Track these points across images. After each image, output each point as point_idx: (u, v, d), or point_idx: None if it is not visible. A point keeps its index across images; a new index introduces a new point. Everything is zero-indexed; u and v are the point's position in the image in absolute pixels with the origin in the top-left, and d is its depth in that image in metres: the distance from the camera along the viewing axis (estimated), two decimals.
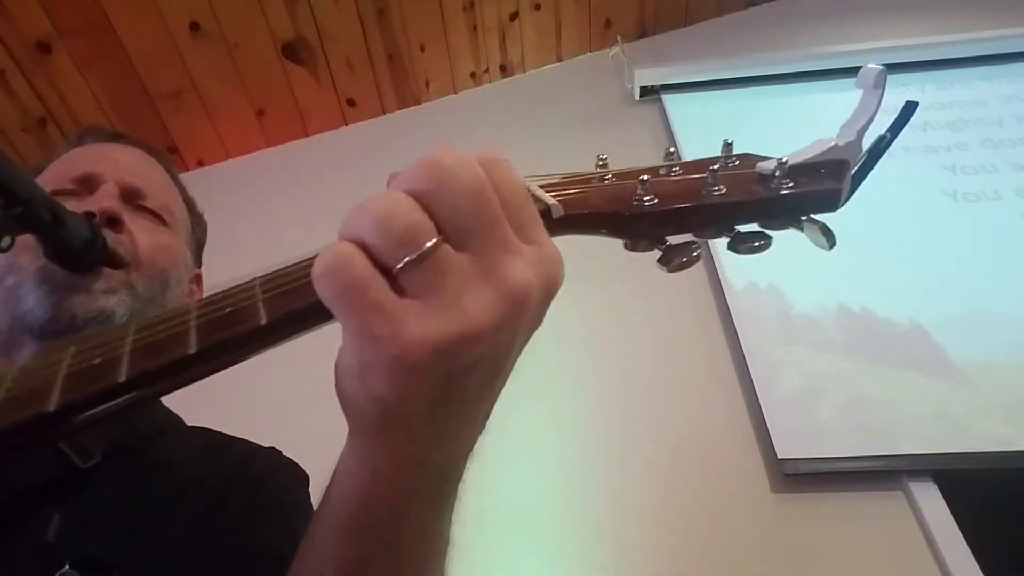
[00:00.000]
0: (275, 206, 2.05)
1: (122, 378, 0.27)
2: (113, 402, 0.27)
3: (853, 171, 0.40)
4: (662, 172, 0.41)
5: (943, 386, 1.31)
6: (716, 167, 0.39)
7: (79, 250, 0.59)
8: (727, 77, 2.14)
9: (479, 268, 0.27)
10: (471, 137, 2.18)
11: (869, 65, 0.41)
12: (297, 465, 0.71)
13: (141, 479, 0.59)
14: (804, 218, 0.40)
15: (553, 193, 0.36)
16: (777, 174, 0.39)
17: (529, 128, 2.17)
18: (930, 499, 1.19)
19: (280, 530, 0.62)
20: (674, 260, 0.37)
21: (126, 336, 0.29)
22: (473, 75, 2.34)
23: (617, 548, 1.24)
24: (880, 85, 0.41)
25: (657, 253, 0.38)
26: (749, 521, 1.24)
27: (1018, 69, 2.01)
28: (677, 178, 0.40)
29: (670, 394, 1.45)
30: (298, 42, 2.08)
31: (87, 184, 0.69)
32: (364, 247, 0.27)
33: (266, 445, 0.72)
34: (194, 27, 1.96)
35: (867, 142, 0.41)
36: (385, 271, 0.27)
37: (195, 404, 0.68)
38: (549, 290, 0.29)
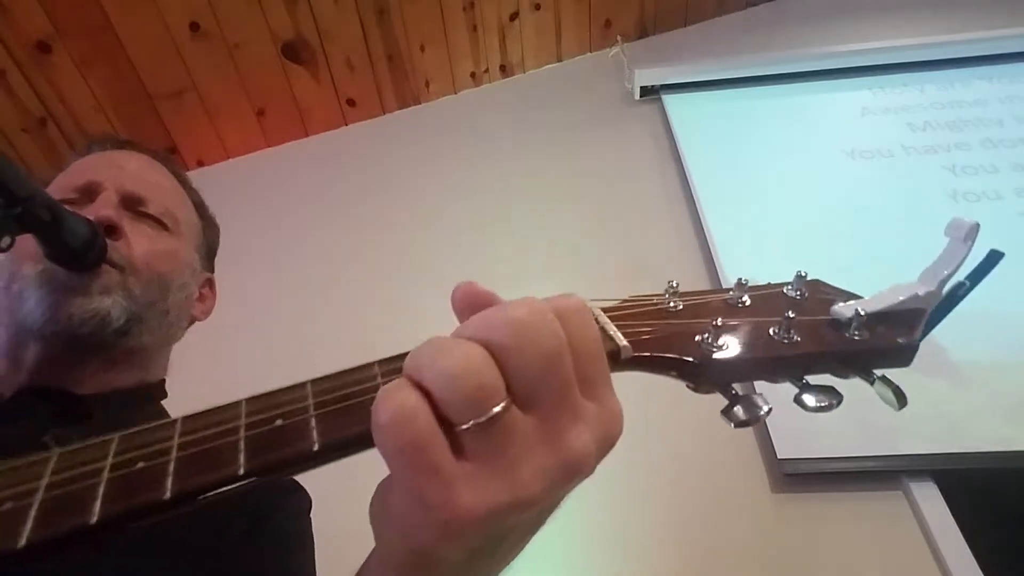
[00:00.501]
0: (275, 206, 2.05)
1: (167, 495, 0.26)
2: (154, 516, 0.26)
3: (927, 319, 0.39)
4: (731, 304, 0.40)
5: (943, 386, 1.31)
6: (791, 314, 0.37)
7: (79, 249, 0.59)
8: (727, 77, 2.14)
9: (541, 434, 0.27)
10: (471, 137, 2.18)
11: (963, 218, 0.40)
12: (301, 488, 0.71)
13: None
14: (878, 375, 0.38)
15: (621, 326, 0.35)
16: (853, 323, 0.38)
17: (529, 128, 2.17)
18: (930, 499, 1.19)
19: (282, 560, 0.62)
20: (739, 416, 0.35)
21: (172, 436, 0.28)
22: (473, 75, 2.34)
23: (617, 548, 1.24)
24: (971, 239, 0.39)
25: (721, 399, 0.37)
26: (749, 521, 1.24)
27: (1018, 69, 2.01)
28: (749, 320, 0.39)
29: (670, 394, 1.45)
30: (298, 42, 2.08)
31: (88, 193, 0.69)
32: (429, 395, 0.26)
33: None
34: (194, 27, 1.96)
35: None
36: (447, 424, 0.26)
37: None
38: (606, 450, 0.29)
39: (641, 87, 2.16)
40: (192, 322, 0.80)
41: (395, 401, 0.26)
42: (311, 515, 0.70)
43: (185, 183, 0.82)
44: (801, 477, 1.25)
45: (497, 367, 0.27)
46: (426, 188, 2.03)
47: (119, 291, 0.64)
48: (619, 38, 2.37)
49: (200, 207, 0.83)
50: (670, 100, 2.13)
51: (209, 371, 0.95)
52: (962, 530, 1.14)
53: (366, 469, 0.32)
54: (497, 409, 0.26)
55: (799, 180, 1.80)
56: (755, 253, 1.62)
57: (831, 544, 1.19)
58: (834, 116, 1.99)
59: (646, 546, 1.24)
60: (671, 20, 2.42)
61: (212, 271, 0.85)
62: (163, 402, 0.72)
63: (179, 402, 0.70)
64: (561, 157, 2.06)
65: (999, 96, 1.94)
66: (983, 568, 1.09)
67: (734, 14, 2.44)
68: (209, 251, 0.84)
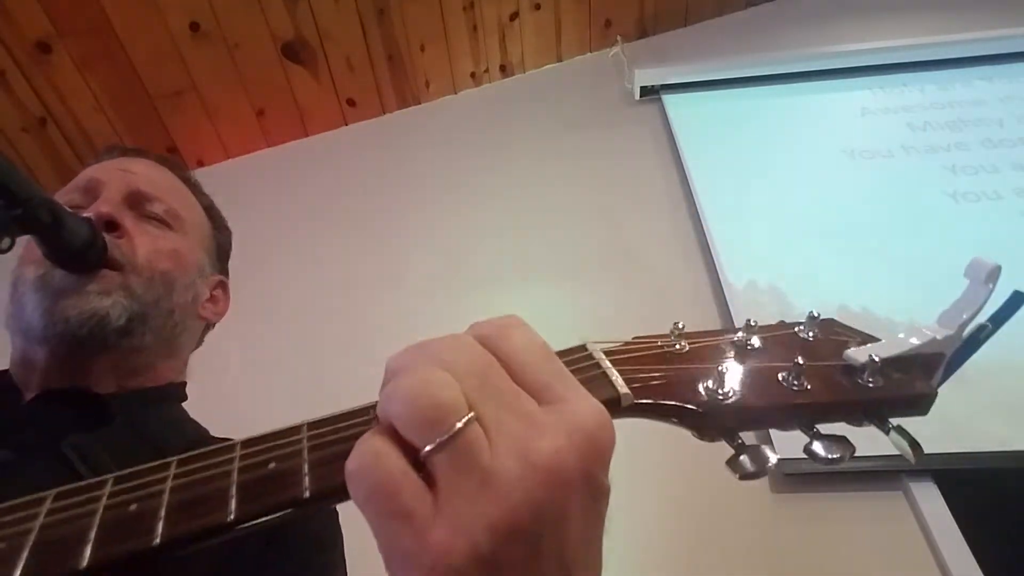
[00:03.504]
0: (275, 206, 2.05)
1: (156, 540, 0.26)
2: (142, 563, 0.26)
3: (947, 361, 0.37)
4: (739, 346, 0.38)
5: (943, 386, 1.31)
6: (801, 360, 0.36)
7: (79, 250, 0.59)
8: (727, 77, 2.14)
9: (506, 446, 0.25)
10: (471, 137, 2.18)
11: (983, 259, 0.38)
12: None
13: None
14: (894, 425, 0.36)
15: (623, 371, 0.34)
16: (867, 369, 0.36)
17: (529, 128, 2.17)
18: (930, 499, 1.19)
19: (307, 564, 0.62)
20: (744, 468, 0.34)
21: (167, 478, 0.28)
22: (473, 75, 2.34)
23: (616, 548, 1.24)
24: (992, 280, 0.38)
25: (726, 448, 0.35)
26: (749, 521, 1.24)
27: (1018, 69, 2.01)
28: (756, 364, 0.37)
29: None
30: (298, 42, 2.08)
31: (90, 191, 0.69)
32: (395, 433, 0.26)
33: None
34: (194, 27, 1.96)
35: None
36: (415, 457, 0.25)
37: (218, 417, 0.68)
38: (592, 455, 0.27)
39: (641, 87, 2.16)
40: (206, 325, 0.80)
41: (363, 447, 0.26)
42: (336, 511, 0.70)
43: (195, 187, 0.82)
44: (801, 477, 1.25)
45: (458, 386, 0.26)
46: (426, 188, 2.03)
47: (119, 291, 0.63)
48: (619, 38, 2.37)
49: (210, 210, 0.83)
50: (670, 100, 2.13)
51: (209, 371, 0.95)
52: (962, 530, 1.14)
53: None
54: (459, 424, 0.25)
55: (799, 180, 1.80)
56: (755, 253, 1.62)
57: (831, 544, 1.19)
58: (834, 116, 1.99)
59: (646, 546, 1.24)
60: (671, 20, 2.42)
61: (226, 274, 0.85)
62: (183, 404, 0.72)
63: (199, 410, 0.70)
64: (561, 157, 2.06)
65: (999, 96, 1.94)
66: (983, 568, 1.09)
67: (734, 14, 2.44)
68: (220, 253, 0.84)
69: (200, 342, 0.81)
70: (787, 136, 1.95)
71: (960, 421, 1.25)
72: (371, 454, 0.25)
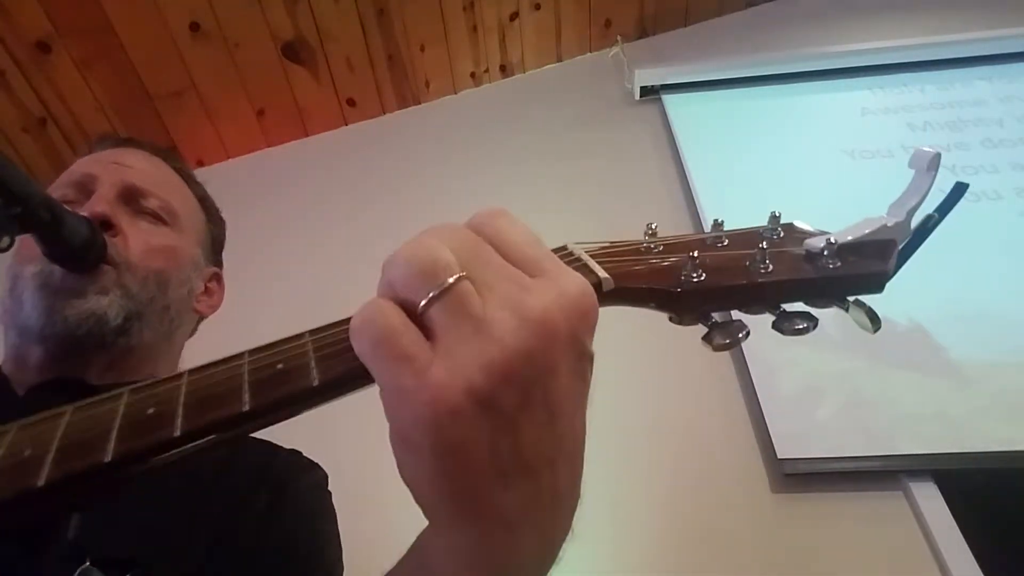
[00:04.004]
0: (275, 206, 2.05)
1: (177, 432, 0.27)
2: (165, 454, 0.27)
3: (899, 249, 0.41)
4: (709, 243, 0.42)
5: (943, 386, 1.31)
6: (764, 245, 0.39)
7: (79, 249, 0.59)
8: (727, 77, 2.14)
9: (499, 301, 0.27)
10: (471, 137, 2.18)
11: (924, 148, 0.42)
12: (319, 466, 0.72)
13: (162, 479, 0.59)
14: (851, 299, 0.40)
15: (603, 263, 0.36)
16: (825, 253, 0.39)
17: (529, 128, 2.17)
18: (930, 499, 1.18)
19: (305, 532, 0.63)
20: (718, 340, 0.37)
21: (180, 385, 0.29)
22: (473, 75, 2.34)
23: (616, 548, 1.24)
24: (934, 168, 0.42)
25: (702, 329, 0.38)
26: (749, 521, 1.24)
27: (1018, 69, 2.01)
28: (725, 252, 0.41)
29: (670, 394, 1.45)
30: (298, 42, 2.08)
31: (84, 187, 0.69)
32: (396, 297, 0.28)
33: (287, 446, 0.71)
34: (194, 27, 1.96)
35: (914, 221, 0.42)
36: (414, 314, 0.27)
37: None
38: (576, 316, 0.28)
39: (641, 87, 2.16)
40: (201, 317, 0.80)
41: (365, 306, 0.28)
42: (329, 489, 0.71)
43: (188, 178, 0.82)
44: (801, 477, 1.25)
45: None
46: (426, 188, 2.03)
47: (116, 290, 0.64)
48: (619, 38, 2.37)
49: (204, 201, 0.83)
50: (670, 100, 2.13)
51: None
52: (962, 530, 1.14)
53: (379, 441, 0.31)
54: (452, 279, 0.27)
55: (799, 180, 1.80)
56: None
57: (831, 544, 1.19)
58: (834, 116, 1.99)
59: (646, 546, 1.24)
60: (671, 20, 2.42)
61: (220, 265, 0.85)
62: None
63: None
64: (561, 157, 2.06)
65: (999, 96, 1.93)
66: (983, 568, 1.09)
67: (734, 14, 2.44)
68: (215, 245, 0.84)
69: (193, 332, 0.81)
70: (787, 136, 1.95)
71: (960, 421, 1.25)
72: (373, 309, 0.27)
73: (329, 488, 0.71)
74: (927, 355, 1.37)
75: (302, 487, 0.67)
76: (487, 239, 0.30)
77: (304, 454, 0.72)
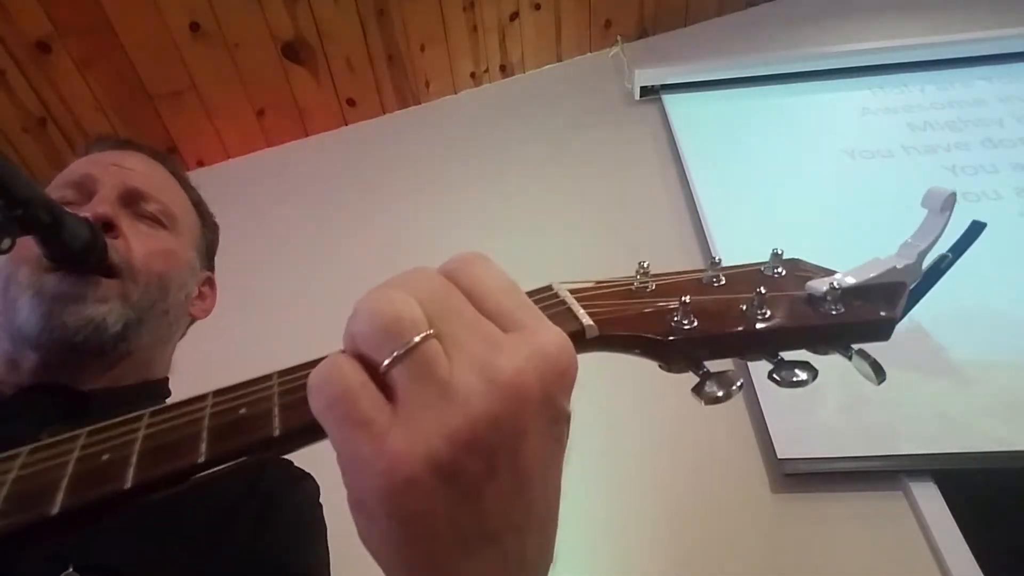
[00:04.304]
0: (275, 206, 2.05)
1: (127, 484, 0.26)
2: (115, 508, 0.26)
3: (909, 290, 0.38)
4: (705, 283, 0.39)
5: (943, 386, 1.31)
6: (763, 289, 0.36)
7: (80, 251, 0.59)
8: (727, 77, 2.14)
9: (467, 362, 0.26)
10: (471, 137, 2.18)
11: (939, 187, 0.38)
12: (309, 476, 0.71)
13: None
14: (855, 348, 0.37)
15: (588, 306, 0.34)
16: (828, 298, 0.37)
17: (529, 128, 2.17)
18: (930, 499, 1.18)
19: (293, 547, 0.62)
20: (709, 392, 0.34)
21: (139, 428, 0.28)
22: (473, 75, 2.34)
23: (616, 548, 1.24)
24: (948, 208, 0.38)
25: (693, 377, 0.36)
26: (749, 521, 1.24)
27: (1018, 69, 2.01)
28: (720, 296, 0.38)
29: (669, 394, 1.45)
30: (298, 42, 2.08)
31: (84, 188, 0.69)
32: (358, 353, 0.26)
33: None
34: (194, 27, 1.96)
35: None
36: (375, 372, 0.26)
37: None
38: (551, 376, 0.27)
39: (641, 87, 2.16)
40: (193, 320, 0.80)
41: (324, 363, 0.26)
42: (321, 502, 0.70)
43: (184, 181, 0.82)
44: (801, 477, 1.25)
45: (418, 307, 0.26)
46: (426, 188, 2.03)
47: (117, 300, 0.63)
48: (619, 38, 2.37)
49: (199, 205, 0.83)
50: (670, 100, 2.13)
51: (207, 371, 0.95)
52: (962, 530, 1.14)
53: None
54: (417, 339, 0.25)
55: (799, 180, 1.80)
56: (755, 253, 1.62)
57: (831, 544, 1.19)
58: (834, 116, 1.99)
59: (646, 546, 1.24)
60: (671, 20, 2.42)
61: (212, 270, 0.85)
62: (167, 400, 0.72)
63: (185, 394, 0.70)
64: (561, 157, 2.06)
65: (999, 96, 1.93)
66: (983, 568, 1.09)
67: (734, 14, 2.44)
68: (208, 250, 0.84)
69: (183, 334, 0.81)
70: (787, 136, 1.95)
71: (960, 421, 1.25)
72: (332, 367, 0.25)
73: (321, 501, 0.70)
74: (927, 355, 1.37)
75: (293, 501, 0.66)
76: (461, 287, 0.29)
77: (295, 464, 0.71)
